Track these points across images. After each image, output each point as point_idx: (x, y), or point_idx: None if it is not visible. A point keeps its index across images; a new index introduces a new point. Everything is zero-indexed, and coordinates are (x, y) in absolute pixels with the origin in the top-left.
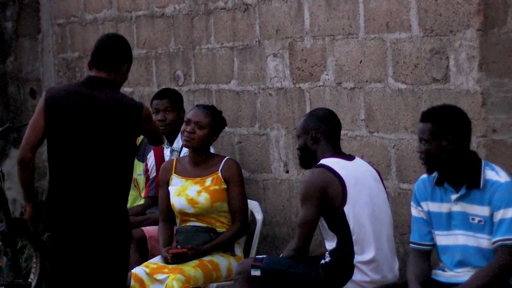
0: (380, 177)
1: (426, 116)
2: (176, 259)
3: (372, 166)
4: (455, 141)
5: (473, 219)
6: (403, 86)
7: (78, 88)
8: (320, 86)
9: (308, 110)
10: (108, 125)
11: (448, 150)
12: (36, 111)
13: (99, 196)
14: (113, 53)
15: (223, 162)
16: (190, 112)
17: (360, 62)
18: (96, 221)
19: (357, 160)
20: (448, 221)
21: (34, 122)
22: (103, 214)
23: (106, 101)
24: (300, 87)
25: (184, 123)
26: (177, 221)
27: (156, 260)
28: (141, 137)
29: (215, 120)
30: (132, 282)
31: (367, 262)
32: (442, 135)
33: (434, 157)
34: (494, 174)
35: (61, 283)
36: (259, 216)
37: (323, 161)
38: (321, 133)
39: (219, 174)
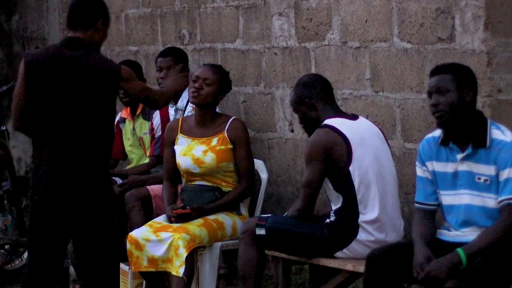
0: (384, 136)
1: (444, 69)
2: (179, 219)
3: (376, 125)
4: (473, 94)
5: (479, 178)
6: (409, 46)
7: (57, 50)
8: (325, 45)
9: (313, 69)
10: (87, 88)
11: (467, 103)
12: (18, 78)
13: (79, 158)
14: (85, 10)
15: (229, 122)
16: (198, 70)
17: (366, 21)
18: (77, 184)
19: (361, 120)
20: (454, 181)
21: (17, 89)
22: (84, 177)
23: (84, 64)
24: (305, 46)
25: (191, 81)
26: (183, 180)
27: (161, 219)
28: None
29: (222, 78)
30: (128, 245)
31: (371, 222)
32: (464, 85)
33: (455, 108)
34: (500, 133)
35: (41, 246)
36: (264, 175)
37: (328, 121)
38: (315, 98)
39: (225, 134)
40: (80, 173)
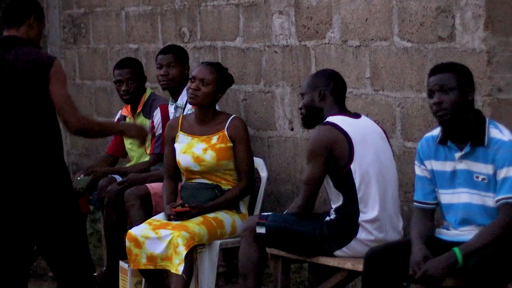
0: (386, 136)
1: (446, 67)
2: (178, 217)
3: (378, 124)
4: (474, 93)
5: (477, 177)
6: (409, 45)
7: None
8: (325, 43)
9: (313, 68)
10: (19, 83)
11: (469, 101)
12: None
13: (27, 158)
14: (16, 7)
15: (229, 121)
16: (195, 70)
17: (366, 20)
18: (25, 183)
19: (364, 118)
20: (452, 180)
21: None
22: (32, 174)
23: (14, 60)
24: (305, 44)
25: (189, 81)
26: (183, 178)
27: (160, 217)
28: (148, 93)
29: (220, 77)
30: (127, 243)
31: (371, 221)
32: (466, 84)
33: (458, 107)
34: (498, 132)
35: (5, 247)
36: (263, 174)
37: (330, 119)
38: (329, 91)
39: (225, 132)
40: (27, 171)
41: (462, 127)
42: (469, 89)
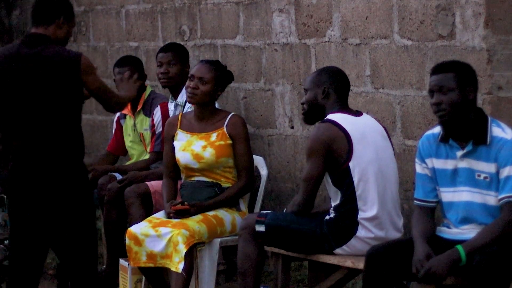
0: (387, 134)
1: (446, 67)
2: (178, 215)
3: (379, 122)
4: (475, 92)
5: (479, 176)
6: (409, 43)
7: (15, 49)
8: (325, 42)
9: (313, 66)
10: (44, 81)
11: (469, 101)
12: None
13: (50, 154)
14: (46, 6)
15: (228, 118)
16: (193, 68)
17: (366, 18)
18: (46, 180)
19: (365, 116)
20: (453, 178)
21: None
22: (53, 172)
23: (39, 59)
24: (305, 42)
25: (188, 79)
26: (182, 176)
27: (160, 215)
28: (148, 91)
29: (218, 75)
30: (127, 241)
31: (370, 219)
32: (466, 84)
33: (457, 107)
34: (500, 131)
35: (23, 244)
36: (263, 172)
37: (330, 116)
38: (333, 89)
39: (224, 129)
40: (49, 169)
41: (464, 126)
42: (470, 89)
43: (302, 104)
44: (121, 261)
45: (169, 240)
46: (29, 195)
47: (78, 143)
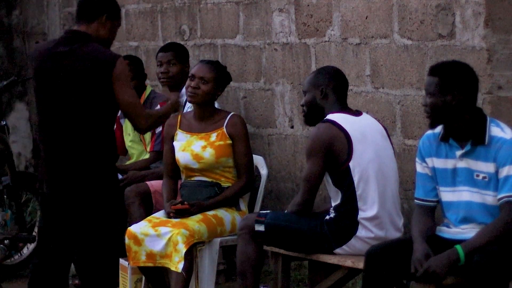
0: (387, 134)
1: (434, 70)
2: (178, 214)
3: (379, 122)
4: (460, 97)
5: (478, 176)
6: (409, 42)
7: (52, 45)
8: (325, 41)
9: (313, 66)
10: (76, 79)
11: (452, 106)
12: None
13: (81, 153)
14: (89, 4)
15: (228, 118)
16: (194, 68)
17: (366, 18)
18: (81, 179)
19: (364, 116)
20: (453, 177)
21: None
22: (88, 172)
23: (76, 56)
24: (305, 42)
25: (188, 79)
26: (182, 176)
27: (160, 215)
28: (148, 91)
29: (219, 75)
30: (127, 240)
31: (370, 219)
32: (448, 90)
33: (438, 111)
34: (499, 131)
35: (51, 242)
36: (263, 171)
37: (330, 116)
38: (331, 89)
39: (224, 129)
40: (80, 168)
41: (459, 126)
42: (453, 95)
43: (302, 106)
44: (121, 261)
45: (169, 239)
46: (55, 193)
47: (108, 147)
